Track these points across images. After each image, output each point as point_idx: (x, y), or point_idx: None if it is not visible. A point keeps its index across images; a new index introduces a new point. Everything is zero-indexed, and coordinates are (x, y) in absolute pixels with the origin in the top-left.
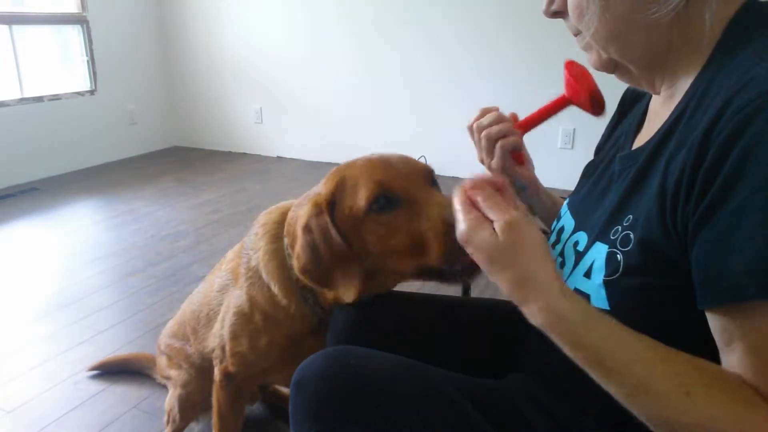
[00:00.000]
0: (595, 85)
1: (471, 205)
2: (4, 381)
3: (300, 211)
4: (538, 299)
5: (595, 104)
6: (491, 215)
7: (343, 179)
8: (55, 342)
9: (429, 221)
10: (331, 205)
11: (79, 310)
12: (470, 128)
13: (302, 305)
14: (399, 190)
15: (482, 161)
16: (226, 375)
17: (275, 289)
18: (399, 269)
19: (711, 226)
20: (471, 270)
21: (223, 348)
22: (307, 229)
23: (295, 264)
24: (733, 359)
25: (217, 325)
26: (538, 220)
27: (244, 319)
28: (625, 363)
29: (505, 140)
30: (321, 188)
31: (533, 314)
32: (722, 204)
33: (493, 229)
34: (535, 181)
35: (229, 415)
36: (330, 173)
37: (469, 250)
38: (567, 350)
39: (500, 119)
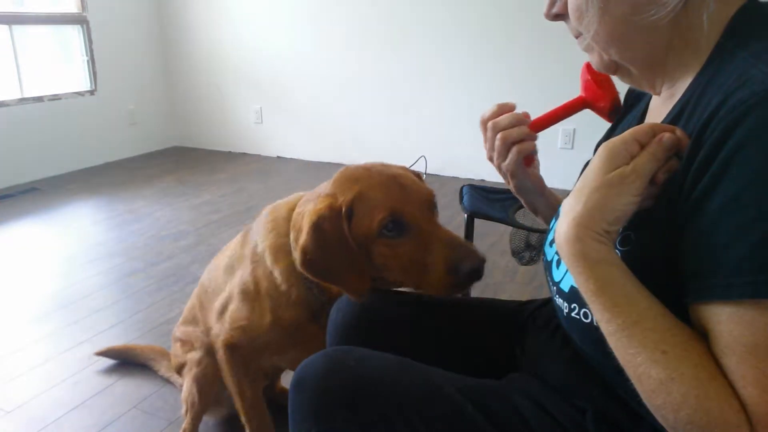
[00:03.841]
0: (616, 92)
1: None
2: (4, 381)
3: (308, 206)
4: (571, 227)
5: (613, 111)
6: (639, 155)
7: (361, 193)
8: (55, 342)
9: (433, 257)
10: (349, 214)
11: (79, 310)
12: (484, 124)
13: (304, 292)
14: (409, 219)
15: (491, 159)
16: (228, 347)
17: (277, 275)
18: (397, 284)
19: (697, 223)
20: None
21: (223, 320)
22: (318, 227)
23: (299, 257)
24: (719, 356)
25: (217, 302)
26: (540, 220)
27: (248, 297)
28: (620, 304)
29: (522, 145)
30: (337, 193)
31: (560, 234)
32: (709, 200)
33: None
34: (540, 181)
35: (244, 387)
36: (345, 178)
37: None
38: (574, 274)
39: (518, 121)
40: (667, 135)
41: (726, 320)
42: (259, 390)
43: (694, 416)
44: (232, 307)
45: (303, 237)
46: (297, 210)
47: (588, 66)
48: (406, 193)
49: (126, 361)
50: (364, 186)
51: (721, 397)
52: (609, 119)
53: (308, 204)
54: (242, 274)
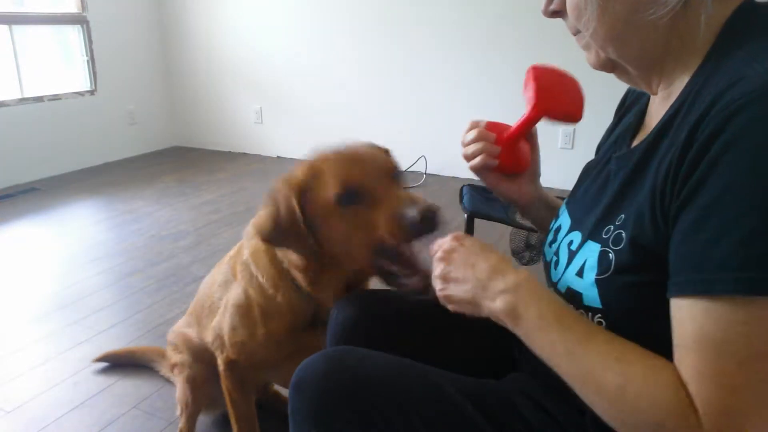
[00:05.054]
0: (562, 101)
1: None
2: (4, 381)
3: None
4: (497, 303)
5: (569, 116)
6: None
7: (316, 169)
8: (55, 342)
9: (384, 215)
10: (302, 190)
11: (79, 310)
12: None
13: (289, 295)
14: (364, 188)
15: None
16: (229, 363)
17: (262, 279)
18: (359, 258)
19: (685, 219)
20: (422, 289)
21: (222, 339)
22: (273, 198)
23: (253, 222)
24: (683, 352)
25: (216, 318)
26: (525, 221)
27: (241, 312)
28: (574, 323)
29: (472, 163)
30: (297, 171)
31: (497, 313)
32: (697, 197)
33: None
34: (525, 193)
35: (240, 401)
36: (305, 161)
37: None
38: (528, 326)
39: (480, 137)
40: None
41: (700, 315)
42: (252, 403)
43: (649, 413)
44: (227, 323)
45: (263, 208)
46: None
47: (534, 71)
48: (361, 164)
49: (127, 364)
50: (320, 162)
51: (670, 390)
52: (572, 121)
53: None
54: (235, 287)
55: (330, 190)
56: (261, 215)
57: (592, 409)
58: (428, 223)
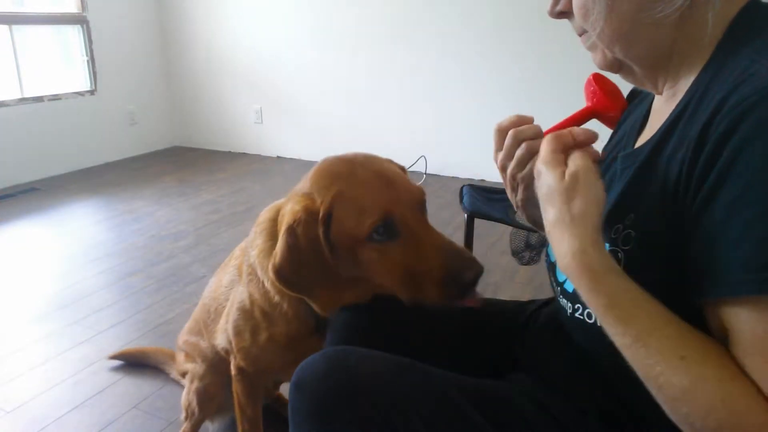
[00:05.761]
0: (625, 102)
1: (562, 147)
2: (4, 381)
3: (287, 207)
4: (571, 244)
5: (614, 120)
6: (569, 160)
7: (341, 193)
8: (55, 342)
9: (428, 266)
10: (328, 217)
11: (79, 310)
12: (502, 131)
13: (296, 304)
14: (401, 222)
15: (503, 168)
16: (239, 369)
17: (269, 285)
18: (390, 291)
19: (706, 221)
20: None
21: (230, 343)
22: (292, 231)
23: (271, 263)
24: (744, 356)
25: (222, 320)
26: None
27: (245, 315)
28: (633, 315)
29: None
30: (315, 193)
31: (563, 256)
32: (717, 197)
33: (563, 172)
34: None
35: (246, 405)
36: (324, 174)
37: (536, 182)
38: (584, 292)
39: (540, 132)
40: (577, 128)
41: (746, 318)
42: (258, 407)
43: (722, 420)
44: (231, 326)
45: (279, 243)
46: (280, 213)
47: (595, 76)
48: (396, 192)
49: (137, 364)
50: (346, 185)
51: (749, 398)
52: (613, 127)
53: (288, 203)
54: (240, 290)
55: (364, 220)
56: (277, 252)
57: (656, 399)
58: (475, 282)
